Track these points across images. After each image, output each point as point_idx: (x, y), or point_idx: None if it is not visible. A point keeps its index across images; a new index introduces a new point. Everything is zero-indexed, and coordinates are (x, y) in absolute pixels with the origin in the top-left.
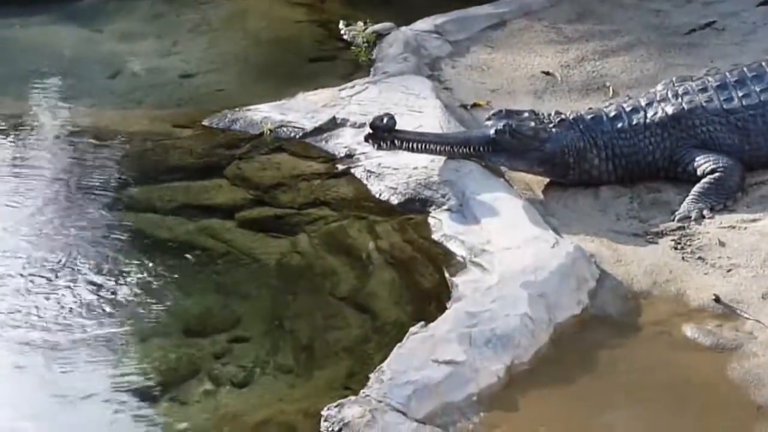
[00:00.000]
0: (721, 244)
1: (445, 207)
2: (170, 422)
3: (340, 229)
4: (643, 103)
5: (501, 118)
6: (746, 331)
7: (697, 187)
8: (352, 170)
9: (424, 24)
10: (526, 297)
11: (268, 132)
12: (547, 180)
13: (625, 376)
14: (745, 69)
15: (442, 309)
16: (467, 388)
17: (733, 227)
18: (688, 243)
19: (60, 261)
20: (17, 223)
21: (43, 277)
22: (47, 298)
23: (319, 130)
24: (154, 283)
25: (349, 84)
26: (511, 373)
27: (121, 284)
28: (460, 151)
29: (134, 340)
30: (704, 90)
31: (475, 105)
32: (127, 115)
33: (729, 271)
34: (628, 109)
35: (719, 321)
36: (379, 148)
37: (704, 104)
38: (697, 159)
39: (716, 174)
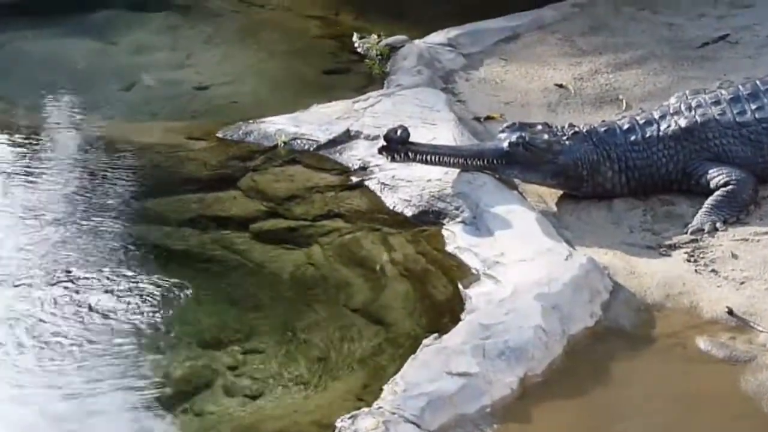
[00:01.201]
0: (734, 256)
1: (458, 219)
2: None
3: (353, 241)
4: (656, 116)
5: (514, 130)
6: (759, 344)
7: (710, 200)
8: (366, 182)
9: (437, 37)
10: (539, 309)
11: (282, 144)
12: (561, 192)
13: (638, 389)
14: (758, 82)
15: (456, 321)
16: (481, 400)
17: (746, 240)
18: (702, 255)
19: (73, 272)
20: (31, 234)
21: (56, 288)
22: (60, 309)
23: (333, 143)
24: (168, 294)
25: (363, 96)
26: (525, 385)
27: (135, 295)
28: (474, 163)
29: (148, 351)
30: (717, 103)
31: (488, 118)
32: (141, 127)
33: (742, 283)
34: (641, 122)
35: (732, 333)
36: (393, 160)
37: (717, 117)
38: (710, 172)
39: (729, 187)
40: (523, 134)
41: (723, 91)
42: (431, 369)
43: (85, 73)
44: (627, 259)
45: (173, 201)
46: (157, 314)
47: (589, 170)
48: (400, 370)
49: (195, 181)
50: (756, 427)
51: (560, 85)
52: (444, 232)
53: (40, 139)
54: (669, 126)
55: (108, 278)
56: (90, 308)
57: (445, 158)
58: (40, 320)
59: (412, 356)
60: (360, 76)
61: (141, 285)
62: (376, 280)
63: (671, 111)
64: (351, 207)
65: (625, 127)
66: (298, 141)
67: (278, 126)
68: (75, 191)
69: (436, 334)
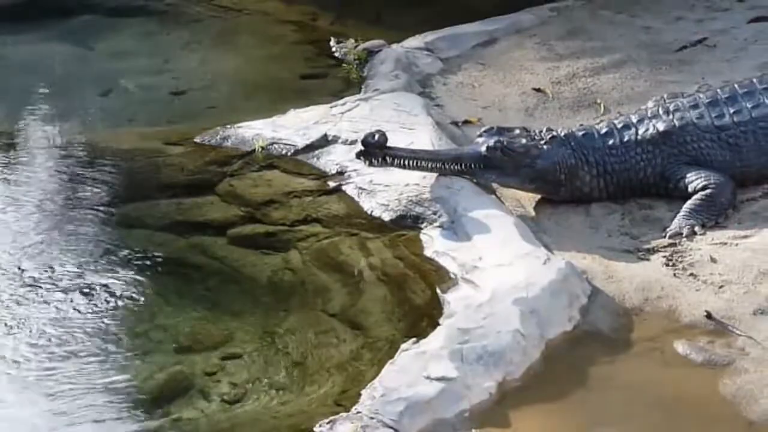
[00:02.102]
0: (713, 260)
1: (436, 224)
2: None
3: (331, 246)
4: (634, 120)
5: (492, 134)
6: (738, 347)
7: (688, 204)
8: (344, 187)
9: (415, 41)
10: (517, 313)
11: (260, 149)
12: (539, 197)
13: (617, 393)
14: (736, 86)
15: (434, 325)
16: (459, 405)
17: (725, 243)
18: (680, 259)
19: (51, 277)
20: (8, 239)
21: (33, 293)
22: (37, 314)
23: (310, 147)
24: (146, 299)
25: (341, 101)
26: (503, 390)
27: (112, 301)
28: (452, 168)
29: (126, 356)
30: (695, 107)
31: (466, 122)
32: (118, 133)
33: (721, 287)
34: (619, 126)
35: (711, 337)
36: (371, 164)
37: (695, 121)
38: (689, 175)
39: (708, 190)
40: (501, 138)
41: (701, 95)
42: (409, 373)
43: (63, 79)
44: (605, 264)
45: (151, 206)
46: (135, 319)
47: (567, 174)
48: (378, 375)
49: (172, 186)
50: (734, 431)
51: (538, 89)
52: (422, 237)
53: (17, 145)
54: (647, 130)
55: (85, 283)
56: (65, 313)
57: (423, 163)
58: (15, 325)
59: (391, 361)
60: (337, 81)
61: (118, 290)
62: (354, 284)
63: (649, 115)
64: (329, 212)
65: (603, 131)
66: (276, 146)
67: (256, 131)
68: (52, 196)
69: (414, 339)
